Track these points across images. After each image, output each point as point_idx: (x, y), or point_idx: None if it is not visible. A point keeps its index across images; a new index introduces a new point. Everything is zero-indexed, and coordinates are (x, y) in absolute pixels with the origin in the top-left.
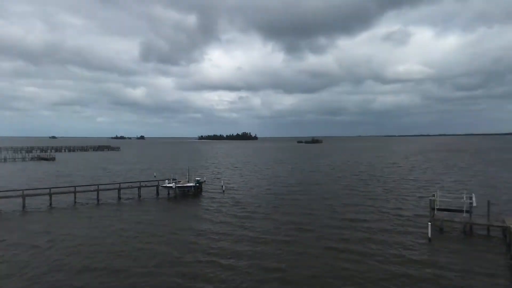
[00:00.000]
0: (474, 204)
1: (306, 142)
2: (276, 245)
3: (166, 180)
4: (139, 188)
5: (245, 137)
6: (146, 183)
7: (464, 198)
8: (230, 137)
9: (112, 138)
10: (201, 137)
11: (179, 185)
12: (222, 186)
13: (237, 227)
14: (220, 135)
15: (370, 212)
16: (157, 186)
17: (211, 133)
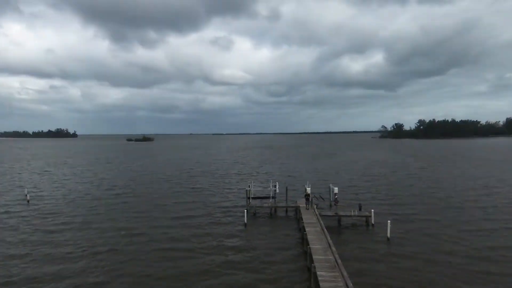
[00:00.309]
0: (277, 191)
1: (137, 140)
2: (99, 257)
3: None
4: None
5: (60, 134)
6: None
7: (271, 187)
8: (39, 134)
9: None
10: None
11: None
12: (26, 195)
13: (44, 244)
14: (24, 131)
15: (197, 208)
16: None
17: (11, 129)
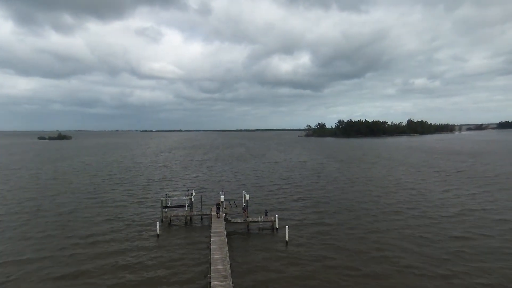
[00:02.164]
0: (193, 200)
1: (51, 138)
2: None
3: None
4: None
5: None
6: None
7: (186, 195)
8: None
9: None
10: None
11: None
12: None
13: None
14: None
15: (107, 221)
16: None
17: None
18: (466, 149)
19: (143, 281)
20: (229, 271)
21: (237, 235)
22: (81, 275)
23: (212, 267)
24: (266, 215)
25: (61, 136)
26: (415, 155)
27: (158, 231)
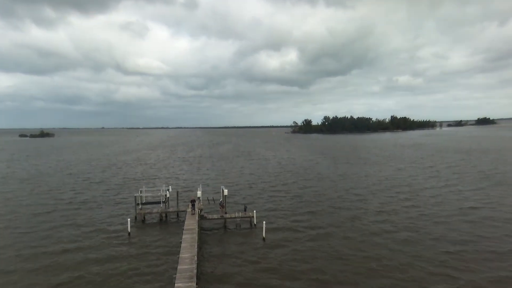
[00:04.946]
0: (168, 195)
1: (32, 136)
2: None
3: None
4: None
5: None
6: None
7: (161, 191)
8: None
9: None
10: None
11: None
12: None
13: None
14: None
15: (74, 222)
16: None
17: None
18: (463, 146)
19: (103, 280)
20: (195, 271)
21: (213, 232)
22: (31, 272)
23: (179, 267)
24: (245, 210)
25: (43, 134)
26: (406, 151)
27: (129, 229)
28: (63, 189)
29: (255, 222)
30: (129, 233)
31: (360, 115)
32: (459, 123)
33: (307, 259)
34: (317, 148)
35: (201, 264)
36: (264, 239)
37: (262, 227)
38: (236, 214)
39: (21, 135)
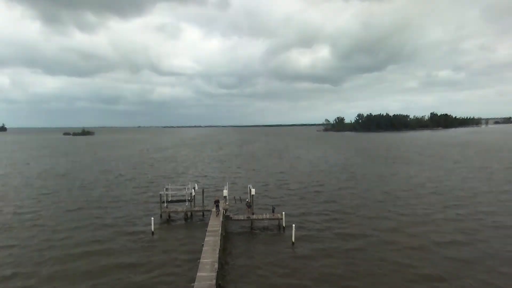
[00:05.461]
0: (194, 194)
1: (75, 134)
2: None
3: None
4: None
5: None
6: None
7: (186, 189)
8: None
9: None
10: None
11: None
12: None
13: None
14: None
15: (100, 219)
16: None
17: None
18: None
19: (117, 283)
20: (214, 280)
21: (238, 235)
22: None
23: (198, 274)
24: (273, 212)
25: (84, 132)
26: (450, 150)
27: (152, 228)
28: (94, 185)
29: (283, 225)
30: (152, 232)
31: (396, 113)
32: (507, 120)
33: (343, 271)
34: (351, 146)
35: (223, 269)
36: (293, 243)
37: (292, 231)
38: (264, 216)
39: (65, 134)
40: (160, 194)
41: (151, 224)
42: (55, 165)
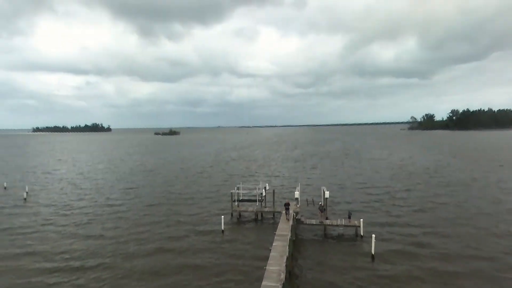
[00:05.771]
0: (264, 194)
1: (164, 134)
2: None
3: None
4: None
5: (95, 128)
6: None
7: (257, 189)
8: (77, 129)
9: None
10: (37, 129)
11: None
12: (26, 193)
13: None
14: (64, 126)
15: (172, 216)
16: None
17: (51, 124)
18: None
19: (181, 286)
20: None
21: (309, 241)
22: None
23: (263, 283)
24: (350, 218)
25: (171, 132)
26: None
27: (222, 227)
28: (175, 182)
29: (361, 233)
30: (222, 231)
31: (502, 107)
32: None
33: None
34: (444, 146)
35: (290, 281)
36: (373, 257)
37: (371, 242)
38: (339, 221)
39: (156, 133)
40: (231, 193)
41: (221, 223)
42: (144, 161)
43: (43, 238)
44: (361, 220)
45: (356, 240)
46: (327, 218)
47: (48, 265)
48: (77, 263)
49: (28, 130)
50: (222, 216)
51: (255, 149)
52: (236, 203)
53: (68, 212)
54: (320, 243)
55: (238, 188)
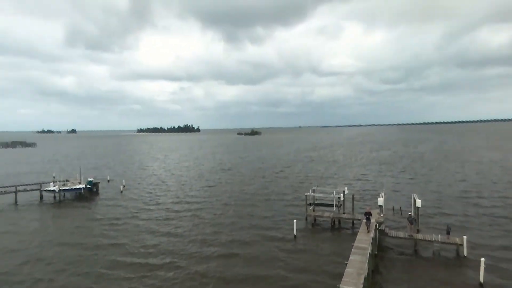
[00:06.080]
0: (342, 199)
1: (246, 134)
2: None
3: (51, 183)
4: (15, 193)
5: (187, 129)
6: (25, 186)
7: (335, 193)
8: (171, 130)
9: (38, 132)
10: (140, 130)
11: (65, 187)
12: (122, 186)
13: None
14: (161, 127)
15: (251, 217)
16: (40, 190)
17: (152, 126)
18: None
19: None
20: None
21: (395, 258)
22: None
23: None
24: (448, 233)
25: (253, 132)
26: None
27: (295, 232)
28: (252, 181)
29: (464, 254)
30: (295, 237)
31: None
32: None
33: None
34: None
35: None
36: (481, 285)
37: (479, 267)
38: (434, 237)
39: (238, 133)
40: (306, 196)
41: (294, 228)
42: (225, 160)
43: (126, 231)
44: (464, 237)
45: (456, 262)
46: (418, 231)
47: (124, 258)
48: (148, 260)
49: (133, 131)
50: (295, 221)
51: (335, 149)
52: (311, 207)
53: (152, 207)
54: (408, 261)
55: (314, 191)
